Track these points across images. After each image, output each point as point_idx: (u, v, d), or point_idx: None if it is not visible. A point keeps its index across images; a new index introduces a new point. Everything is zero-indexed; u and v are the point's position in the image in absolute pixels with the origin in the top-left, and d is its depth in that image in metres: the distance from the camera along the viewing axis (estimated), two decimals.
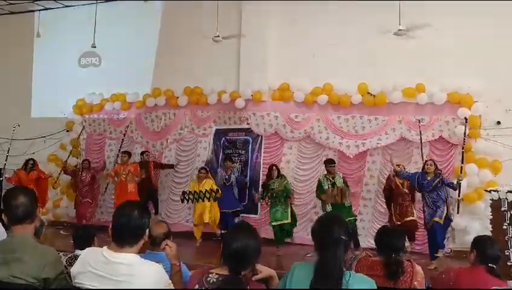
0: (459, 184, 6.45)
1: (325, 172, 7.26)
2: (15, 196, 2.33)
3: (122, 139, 9.30)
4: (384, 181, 7.41)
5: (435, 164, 6.56)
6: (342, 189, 6.97)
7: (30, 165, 8.62)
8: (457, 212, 6.72)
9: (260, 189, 7.66)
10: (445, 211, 6.35)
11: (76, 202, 8.88)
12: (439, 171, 6.52)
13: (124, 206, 2.25)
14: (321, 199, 7.13)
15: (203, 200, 7.52)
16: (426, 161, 6.69)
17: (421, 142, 7.30)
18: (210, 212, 7.56)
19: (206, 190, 7.54)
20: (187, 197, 7.66)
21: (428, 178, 6.44)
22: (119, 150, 9.10)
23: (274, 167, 7.41)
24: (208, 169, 7.94)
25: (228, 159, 8.17)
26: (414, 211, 6.84)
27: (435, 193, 6.40)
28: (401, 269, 2.63)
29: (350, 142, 7.87)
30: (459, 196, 6.72)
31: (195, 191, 7.64)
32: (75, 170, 9.13)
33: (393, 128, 7.67)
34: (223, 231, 7.34)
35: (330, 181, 7.04)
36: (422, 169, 6.60)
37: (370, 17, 7.99)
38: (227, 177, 7.88)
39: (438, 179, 6.37)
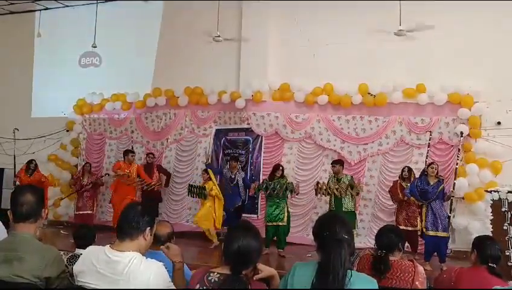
0: (450, 198, 6.34)
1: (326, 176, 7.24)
2: (23, 193, 2.33)
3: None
4: (384, 180, 7.57)
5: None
6: (345, 185, 6.85)
7: (32, 167, 8.40)
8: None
9: (260, 182, 7.50)
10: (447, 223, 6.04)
11: (78, 208, 8.59)
12: (441, 177, 6.29)
13: (129, 204, 2.42)
14: (319, 189, 7.01)
15: (206, 198, 7.47)
16: (430, 164, 6.38)
17: (427, 156, 7.29)
18: (209, 219, 7.46)
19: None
20: (192, 190, 7.61)
21: (431, 183, 6.14)
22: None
23: (280, 168, 7.18)
24: (208, 171, 7.81)
25: (233, 159, 8.14)
26: (418, 219, 6.61)
27: (438, 201, 6.08)
28: (386, 267, 2.66)
29: (352, 147, 7.90)
30: (450, 211, 6.63)
31: (200, 186, 7.64)
32: (77, 178, 8.78)
33: (394, 131, 7.69)
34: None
35: (335, 179, 6.99)
36: (422, 174, 6.35)
37: (370, 17, 7.99)
38: (232, 177, 7.79)
39: (441, 186, 6.05)
